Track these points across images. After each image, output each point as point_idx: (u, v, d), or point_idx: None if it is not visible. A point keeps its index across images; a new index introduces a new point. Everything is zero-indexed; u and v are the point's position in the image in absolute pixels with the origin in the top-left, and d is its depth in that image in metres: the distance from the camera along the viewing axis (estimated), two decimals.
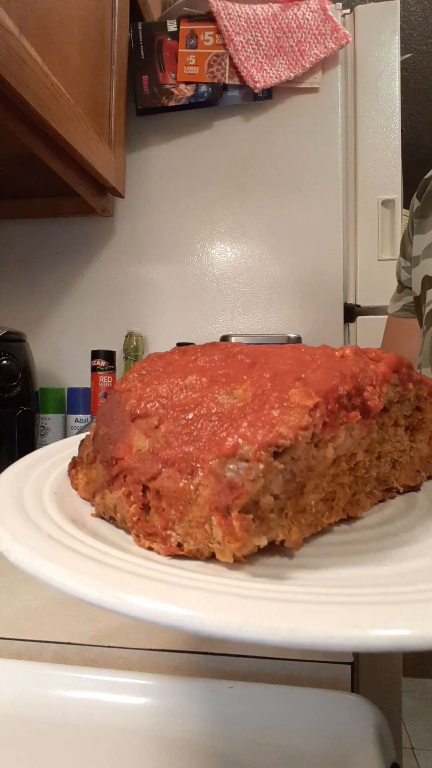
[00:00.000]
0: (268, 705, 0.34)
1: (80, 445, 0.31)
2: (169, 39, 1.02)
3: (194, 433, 0.23)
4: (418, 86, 2.25)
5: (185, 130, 1.08)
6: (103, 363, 0.99)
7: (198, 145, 1.08)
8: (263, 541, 0.21)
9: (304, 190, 1.05)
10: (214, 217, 1.08)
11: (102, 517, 0.26)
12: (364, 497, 0.28)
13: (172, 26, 1.02)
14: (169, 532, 0.22)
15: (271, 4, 1.01)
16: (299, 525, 0.23)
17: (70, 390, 1.02)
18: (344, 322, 1.04)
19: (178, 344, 1.01)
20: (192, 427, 0.23)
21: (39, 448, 1.02)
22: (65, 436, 1.01)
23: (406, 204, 1.06)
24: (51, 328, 1.12)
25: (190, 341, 1.02)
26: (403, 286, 0.70)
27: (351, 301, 1.05)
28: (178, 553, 0.21)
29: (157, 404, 0.25)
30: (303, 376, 0.23)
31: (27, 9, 0.66)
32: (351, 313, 1.04)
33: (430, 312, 0.59)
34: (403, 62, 1.08)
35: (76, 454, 0.31)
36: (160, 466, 0.23)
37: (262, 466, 0.20)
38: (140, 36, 1.03)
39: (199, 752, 0.32)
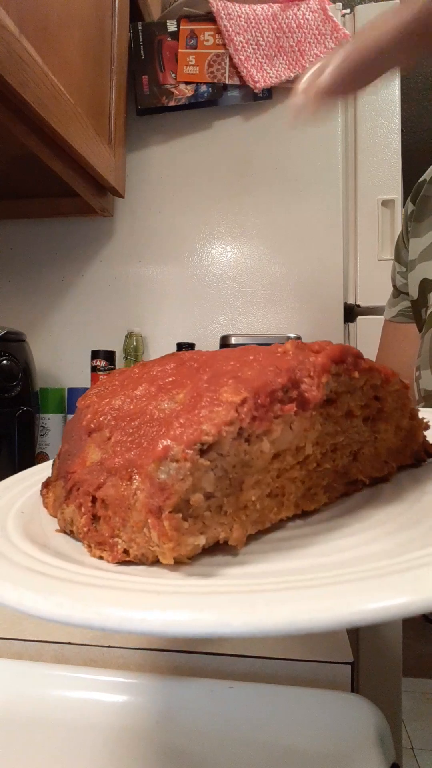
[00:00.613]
0: (268, 705, 0.34)
1: (52, 465, 0.31)
2: (169, 39, 1.02)
3: (137, 441, 0.23)
4: (418, 86, 2.25)
5: (185, 130, 1.08)
6: (103, 363, 0.99)
7: (198, 145, 1.08)
8: (202, 540, 0.21)
9: (304, 190, 1.05)
10: (214, 217, 1.08)
11: (65, 532, 0.26)
12: (321, 491, 0.27)
13: (172, 26, 1.02)
14: (115, 539, 0.22)
15: (271, 4, 1.01)
16: (241, 522, 0.23)
17: (70, 390, 1.02)
18: (344, 322, 1.04)
19: (178, 344, 1.01)
20: (136, 435, 0.23)
21: (39, 448, 1.03)
22: None
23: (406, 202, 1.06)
24: (51, 328, 1.12)
25: (190, 341, 1.02)
26: (398, 292, 0.70)
27: (351, 301, 1.05)
28: (125, 560, 0.22)
29: (110, 416, 0.26)
30: (239, 374, 0.23)
31: (27, 9, 0.66)
32: (351, 313, 1.04)
33: (430, 314, 0.59)
34: None
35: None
36: (105, 475, 0.23)
37: (188, 464, 0.20)
38: (140, 36, 1.03)
39: (199, 752, 0.32)
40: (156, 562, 0.21)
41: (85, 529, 0.24)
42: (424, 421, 0.32)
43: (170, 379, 0.26)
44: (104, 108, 0.94)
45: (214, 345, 1.02)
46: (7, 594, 0.18)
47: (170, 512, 0.20)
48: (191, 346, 1.02)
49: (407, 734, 1.62)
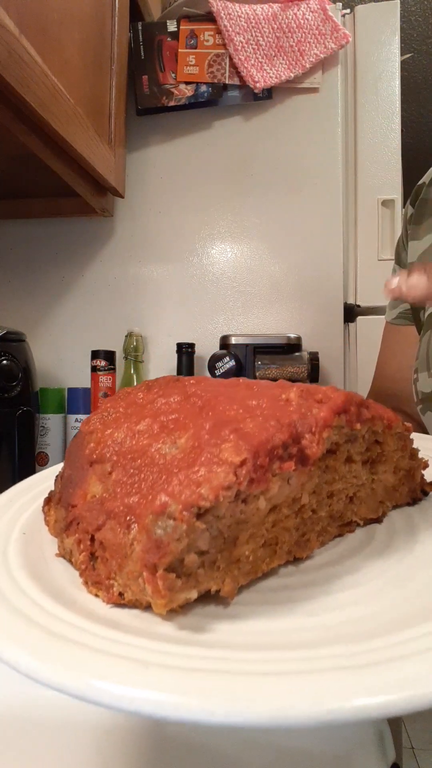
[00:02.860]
0: None
1: (55, 481, 0.31)
2: (169, 39, 1.02)
3: (137, 485, 0.23)
4: (418, 86, 2.25)
5: (185, 130, 1.08)
6: (103, 363, 0.99)
7: (198, 145, 1.08)
8: (194, 594, 0.21)
9: (304, 190, 1.05)
10: (214, 217, 1.08)
11: (64, 557, 0.27)
12: (314, 537, 0.27)
13: (172, 26, 1.02)
14: (111, 581, 0.23)
15: (271, 4, 1.01)
16: (232, 575, 0.23)
17: (70, 390, 1.02)
18: (344, 322, 1.04)
19: (178, 344, 1.01)
20: (136, 478, 0.24)
21: (39, 448, 1.03)
22: (65, 436, 1.01)
23: (405, 204, 1.06)
24: (51, 328, 1.12)
25: (190, 341, 1.02)
26: None
27: (351, 301, 1.05)
28: (120, 602, 0.22)
29: (112, 450, 0.26)
30: (241, 426, 0.23)
31: (27, 9, 0.66)
32: (351, 313, 1.04)
33: (429, 316, 0.59)
34: (403, 62, 1.08)
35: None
36: (104, 517, 0.24)
37: (185, 526, 0.20)
38: (140, 36, 1.03)
39: (199, 752, 0.32)
40: (149, 607, 0.22)
41: (83, 566, 0.24)
42: (424, 460, 0.32)
43: (173, 416, 0.26)
44: (104, 108, 0.94)
45: (214, 345, 1.02)
46: (4, 651, 0.19)
47: (164, 570, 0.20)
48: (191, 346, 1.02)
49: (407, 734, 1.62)
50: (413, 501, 0.32)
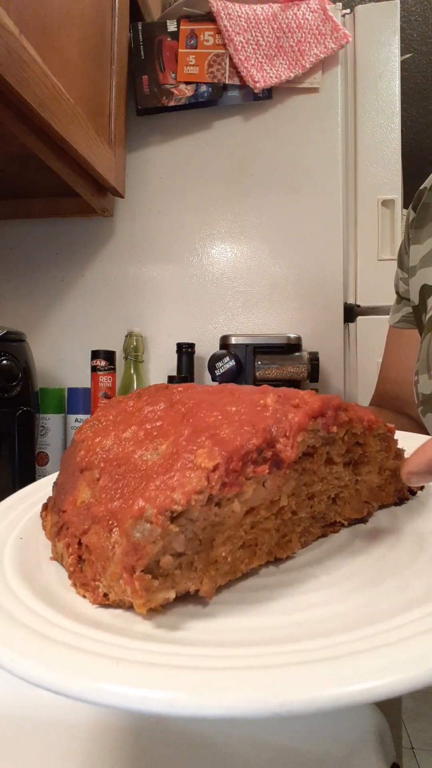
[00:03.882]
0: None
1: (53, 487, 0.33)
2: (169, 39, 1.02)
3: (120, 490, 0.25)
4: (418, 86, 2.25)
5: (185, 130, 1.08)
6: (103, 363, 0.99)
7: (198, 145, 1.08)
8: (171, 594, 0.22)
9: (304, 190, 1.05)
10: (214, 217, 1.08)
11: (57, 560, 0.28)
12: (296, 538, 0.28)
13: (172, 26, 1.02)
14: (96, 583, 0.24)
15: (271, 4, 1.01)
16: (210, 576, 0.24)
17: (70, 390, 1.02)
18: (344, 322, 1.04)
19: (178, 344, 1.01)
20: (120, 483, 0.25)
21: (39, 448, 1.02)
22: (65, 436, 1.01)
23: (406, 204, 1.06)
24: (51, 328, 1.12)
25: (190, 341, 1.02)
26: (401, 298, 0.71)
27: (351, 301, 1.05)
28: (105, 603, 0.24)
29: (100, 457, 0.27)
30: (218, 432, 0.24)
31: (27, 9, 0.66)
32: (351, 313, 1.04)
33: (430, 319, 0.59)
34: (403, 62, 1.08)
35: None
36: (90, 522, 0.25)
37: (159, 529, 0.21)
38: (140, 36, 1.03)
39: (199, 752, 0.32)
40: (132, 607, 0.23)
41: (71, 569, 0.26)
42: None
43: (158, 424, 0.27)
44: (104, 108, 0.94)
45: (214, 345, 1.02)
46: None
47: (141, 572, 0.21)
48: (191, 346, 1.02)
49: (407, 734, 1.62)
50: (400, 501, 0.32)
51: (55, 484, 0.32)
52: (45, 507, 0.32)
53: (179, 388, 0.31)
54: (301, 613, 0.22)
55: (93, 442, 0.29)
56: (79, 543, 0.25)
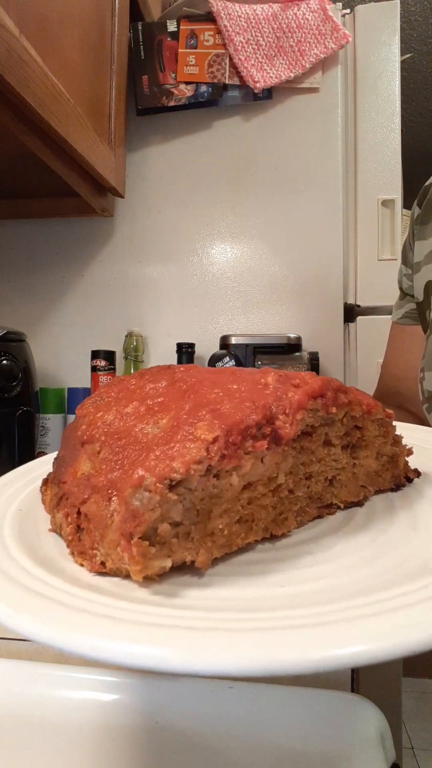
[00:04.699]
0: (268, 705, 0.34)
1: (53, 463, 0.33)
2: (169, 39, 1.02)
3: (120, 462, 0.25)
4: (418, 86, 2.25)
5: (185, 130, 1.08)
6: (103, 363, 0.99)
7: (198, 145, 1.08)
8: (168, 563, 0.23)
9: (304, 190, 1.05)
10: (214, 217, 1.08)
11: (56, 532, 0.28)
12: (292, 516, 0.28)
13: (172, 26, 1.02)
14: (94, 551, 0.24)
15: (271, 4, 1.01)
16: (207, 547, 0.24)
17: (70, 390, 1.02)
18: (344, 322, 1.04)
19: (178, 344, 1.01)
20: (120, 455, 0.25)
21: (39, 448, 1.02)
22: None
23: (406, 204, 1.06)
24: (51, 328, 1.12)
25: (190, 341, 1.02)
26: (404, 294, 0.71)
27: (351, 301, 1.05)
28: (102, 571, 0.24)
29: (101, 431, 0.28)
30: (218, 407, 0.25)
31: (27, 9, 0.66)
32: (351, 313, 1.04)
33: None
34: (403, 62, 1.08)
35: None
36: (89, 491, 0.25)
37: (158, 497, 0.22)
38: (140, 36, 1.03)
39: (199, 752, 0.32)
40: (129, 575, 0.23)
41: (70, 537, 0.26)
42: (408, 447, 0.33)
43: (159, 400, 0.28)
44: (104, 108, 0.94)
45: (214, 345, 1.02)
46: None
47: (139, 539, 0.22)
48: (191, 346, 1.02)
49: (407, 734, 1.62)
50: (396, 487, 0.33)
51: (56, 459, 0.32)
52: (45, 482, 0.32)
53: (181, 368, 0.32)
54: (296, 586, 0.23)
55: (95, 416, 0.29)
56: (78, 512, 0.26)
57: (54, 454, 0.37)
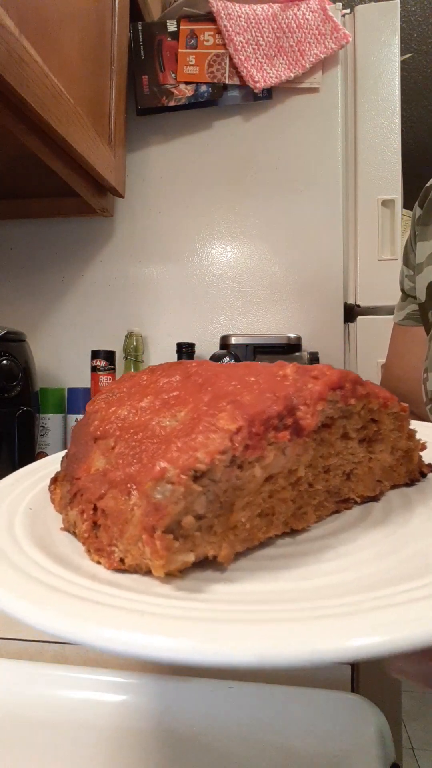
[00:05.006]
0: (268, 705, 0.34)
1: (61, 461, 0.32)
2: (169, 39, 1.02)
3: (138, 455, 0.24)
4: (418, 86, 2.25)
5: (185, 130, 1.08)
6: (103, 363, 0.99)
7: (198, 145, 1.08)
8: (191, 557, 0.22)
9: (304, 190, 1.05)
10: (214, 217, 1.08)
11: (68, 531, 0.27)
12: (311, 510, 0.28)
13: (172, 26, 1.02)
14: (112, 548, 0.24)
15: (271, 4, 1.01)
16: (229, 541, 0.24)
17: (70, 390, 1.02)
18: (344, 322, 1.04)
19: (178, 344, 1.01)
20: (138, 449, 0.25)
21: (39, 448, 1.03)
22: (65, 436, 1.01)
23: (406, 204, 1.06)
24: (51, 328, 1.12)
25: (190, 341, 1.02)
26: (406, 295, 0.71)
27: (351, 301, 1.05)
28: (121, 568, 0.23)
29: (115, 426, 0.27)
30: (238, 398, 0.24)
31: (27, 9, 0.66)
32: (351, 313, 1.04)
33: None
34: (403, 62, 1.08)
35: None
36: (107, 486, 0.25)
37: (182, 488, 0.21)
38: (140, 36, 1.03)
39: (199, 752, 0.32)
40: (149, 572, 0.22)
41: (86, 535, 0.25)
42: (421, 441, 0.33)
43: (174, 394, 0.27)
44: (104, 108, 0.94)
45: (214, 345, 1.02)
46: (6, 601, 0.19)
47: (162, 532, 0.21)
48: (191, 346, 1.02)
49: (407, 734, 1.62)
50: (411, 482, 0.33)
51: (66, 455, 0.32)
52: (54, 480, 0.31)
53: (194, 363, 0.32)
54: (321, 578, 0.22)
55: (107, 412, 0.29)
56: (94, 509, 0.25)
57: (60, 455, 0.37)
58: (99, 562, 0.24)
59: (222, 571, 0.23)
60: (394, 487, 0.32)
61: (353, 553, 0.24)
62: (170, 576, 0.22)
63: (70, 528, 0.27)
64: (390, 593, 0.19)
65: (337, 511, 0.29)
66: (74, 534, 0.27)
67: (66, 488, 0.28)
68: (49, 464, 0.37)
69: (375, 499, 0.31)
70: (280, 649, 0.16)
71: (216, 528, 0.23)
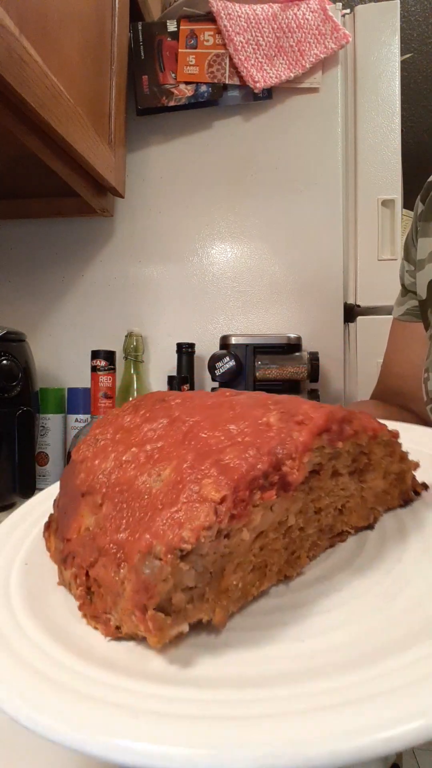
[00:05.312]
0: None
1: (53, 505, 0.32)
2: (169, 39, 1.02)
3: (125, 519, 0.24)
4: (418, 86, 2.25)
5: (185, 130, 1.08)
6: (103, 363, 0.99)
7: (198, 145, 1.08)
8: (185, 628, 0.22)
9: (304, 190, 1.05)
10: (214, 217, 1.08)
11: (65, 587, 0.27)
12: (304, 554, 0.27)
13: (172, 26, 1.02)
14: (108, 616, 0.24)
15: (271, 4, 1.01)
16: (222, 606, 0.23)
17: (70, 390, 1.02)
18: (344, 322, 1.04)
19: (178, 344, 1.01)
20: (124, 513, 0.24)
21: (39, 448, 1.02)
22: (65, 436, 1.01)
23: (406, 204, 1.06)
24: (51, 328, 1.12)
25: (190, 341, 1.02)
26: (406, 290, 0.70)
27: (351, 301, 1.05)
28: (118, 635, 0.23)
29: (100, 481, 0.27)
30: (221, 457, 0.24)
31: (27, 9, 0.66)
32: (351, 313, 1.04)
33: None
34: (403, 62, 1.08)
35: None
36: (96, 554, 0.24)
37: (169, 568, 0.21)
38: (140, 36, 1.03)
39: None
40: (145, 639, 0.22)
41: (81, 600, 0.25)
42: (414, 462, 0.32)
43: (158, 445, 0.27)
44: (104, 108, 0.94)
45: (214, 345, 1.02)
46: (5, 702, 0.19)
47: (154, 610, 0.21)
48: (191, 346, 1.02)
49: None
50: (405, 503, 0.32)
51: (56, 503, 0.31)
52: (47, 527, 0.31)
53: (177, 400, 0.31)
54: (314, 639, 0.22)
55: (93, 464, 0.28)
56: (87, 575, 0.25)
57: (52, 490, 0.37)
58: (96, 628, 0.24)
59: (216, 634, 0.23)
60: (387, 509, 0.31)
61: (347, 602, 0.24)
62: (166, 645, 0.22)
63: (65, 585, 0.27)
64: (386, 671, 0.19)
65: (331, 546, 0.29)
66: (70, 592, 0.27)
67: (59, 545, 0.28)
68: (41, 503, 0.36)
69: (369, 527, 0.30)
70: (276, 758, 0.16)
71: (208, 595, 0.23)
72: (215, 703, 0.19)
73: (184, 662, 0.21)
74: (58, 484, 0.36)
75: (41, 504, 0.36)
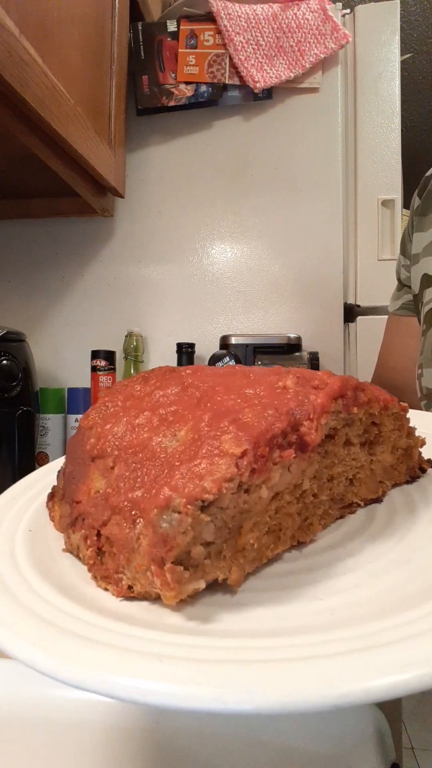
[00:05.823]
0: None
1: (57, 476, 0.32)
2: (169, 39, 1.02)
3: (140, 479, 0.23)
4: (418, 86, 2.25)
5: (185, 130, 1.08)
6: (103, 363, 0.99)
7: (198, 145, 1.08)
8: (202, 585, 0.22)
9: (304, 190, 1.05)
10: (214, 217, 1.08)
11: (71, 553, 0.27)
12: (317, 521, 0.28)
13: (172, 26, 1.02)
14: (119, 575, 0.23)
15: (271, 4, 1.01)
16: (239, 564, 0.23)
17: (70, 390, 1.02)
18: (344, 322, 1.04)
19: (178, 344, 1.01)
20: (139, 472, 0.24)
21: (39, 448, 1.02)
22: (65, 436, 1.01)
23: (406, 204, 1.06)
24: (51, 328, 1.12)
25: (190, 341, 1.02)
26: (402, 285, 0.70)
27: (351, 301, 1.05)
28: (130, 595, 0.23)
29: (112, 444, 0.26)
30: (240, 416, 0.24)
31: (27, 9, 0.66)
32: (351, 313, 1.04)
33: (428, 311, 0.59)
34: (403, 62, 1.08)
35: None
36: (109, 512, 0.24)
37: (189, 519, 0.20)
38: (140, 36, 1.03)
39: (199, 752, 0.32)
40: (158, 598, 0.22)
41: (91, 561, 0.25)
42: (421, 438, 0.32)
43: (172, 409, 0.26)
44: (104, 108, 0.94)
45: (214, 345, 1.02)
46: (13, 645, 0.19)
47: (172, 563, 0.20)
48: (191, 346, 1.02)
49: (407, 734, 1.62)
50: (412, 479, 0.32)
51: (62, 473, 0.31)
52: (51, 497, 0.31)
53: (188, 371, 0.31)
54: (332, 598, 0.22)
55: (103, 428, 0.28)
56: (98, 535, 0.25)
57: (54, 464, 0.36)
58: (107, 589, 0.23)
59: (232, 593, 0.23)
60: (395, 485, 0.32)
61: (362, 566, 0.24)
62: (181, 603, 0.21)
63: (72, 551, 0.27)
64: (407, 620, 0.19)
65: (341, 517, 0.29)
66: (77, 556, 0.26)
67: (66, 510, 0.28)
68: (44, 476, 0.36)
69: (378, 500, 0.30)
70: (306, 696, 0.16)
71: (225, 552, 0.23)
72: (241, 650, 0.18)
73: (202, 618, 0.21)
74: (57, 461, 0.35)
75: (43, 478, 0.36)
